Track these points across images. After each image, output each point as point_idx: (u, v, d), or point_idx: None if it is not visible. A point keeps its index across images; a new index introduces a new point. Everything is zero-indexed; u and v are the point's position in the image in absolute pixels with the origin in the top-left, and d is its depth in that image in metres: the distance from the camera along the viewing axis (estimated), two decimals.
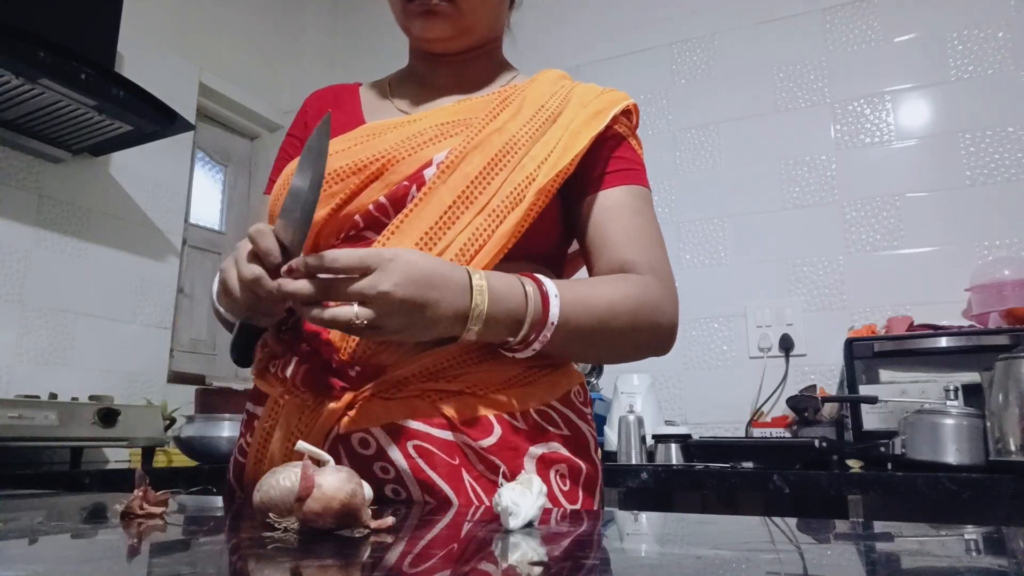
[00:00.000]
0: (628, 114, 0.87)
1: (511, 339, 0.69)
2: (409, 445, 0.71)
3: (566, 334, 0.71)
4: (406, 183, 0.77)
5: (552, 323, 0.69)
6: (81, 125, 1.82)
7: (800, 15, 2.25)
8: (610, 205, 0.81)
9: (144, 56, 2.21)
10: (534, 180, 0.77)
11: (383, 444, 0.71)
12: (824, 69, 2.20)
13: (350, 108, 0.92)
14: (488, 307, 0.65)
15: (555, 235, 0.84)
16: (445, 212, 0.74)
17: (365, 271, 0.61)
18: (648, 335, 0.77)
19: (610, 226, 0.80)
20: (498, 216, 0.75)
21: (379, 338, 0.63)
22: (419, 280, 0.62)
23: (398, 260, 0.62)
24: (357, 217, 0.78)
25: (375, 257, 0.62)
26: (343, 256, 0.61)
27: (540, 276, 0.71)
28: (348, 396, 0.71)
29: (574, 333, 0.71)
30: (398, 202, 0.77)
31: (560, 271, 0.88)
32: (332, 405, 0.71)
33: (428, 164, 0.77)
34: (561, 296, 0.70)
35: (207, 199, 2.64)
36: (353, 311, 0.60)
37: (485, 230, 0.74)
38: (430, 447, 0.71)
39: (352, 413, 0.71)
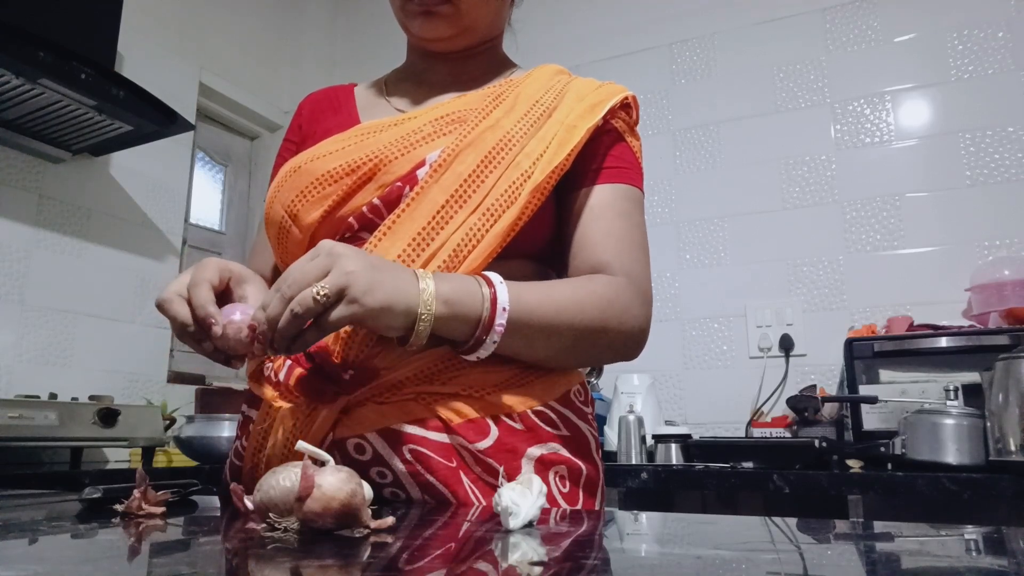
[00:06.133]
0: (627, 108, 0.85)
1: (463, 341, 0.67)
2: (405, 449, 0.70)
3: (525, 335, 0.69)
4: (399, 184, 0.75)
5: (500, 325, 0.66)
6: (81, 125, 1.83)
7: (800, 15, 2.25)
8: (595, 204, 0.80)
9: (144, 56, 2.22)
10: (530, 177, 0.75)
11: (379, 449, 0.70)
12: (824, 69, 2.20)
13: (345, 109, 0.90)
14: (436, 288, 0.64)
15: (551, 232, 0.82)
16: (438, 212, 0.73)
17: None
18: (615, 337, 0.75)
19: (592, 225, 0.79)
20: (492, 215, 0.73)
21: (355, 314, 0.59)
22: (361, 252, 0.63)
23: (327, 242, 0.63)
24: (351, 219, 0.76)
25: (310, 252, 0.62)
26: (291, 268, 0.61)
27: (494, 277, 0.68)
28: (342, 401, 0.70)
29: (534, 333, 0.70)
30: (392, 203, 0.75)
31: (561, 269, 0.86)
32: (326, 410, 0.70)
33: (421, 164, 0.76)
34: (519, 297, 0.68)
35: (207, 199, 2.65)
36: (311, 288, 0.58)
37: (479, 230, 0.73)
38: (426, 451, 0.70)
39: (346, 418, 0.71)
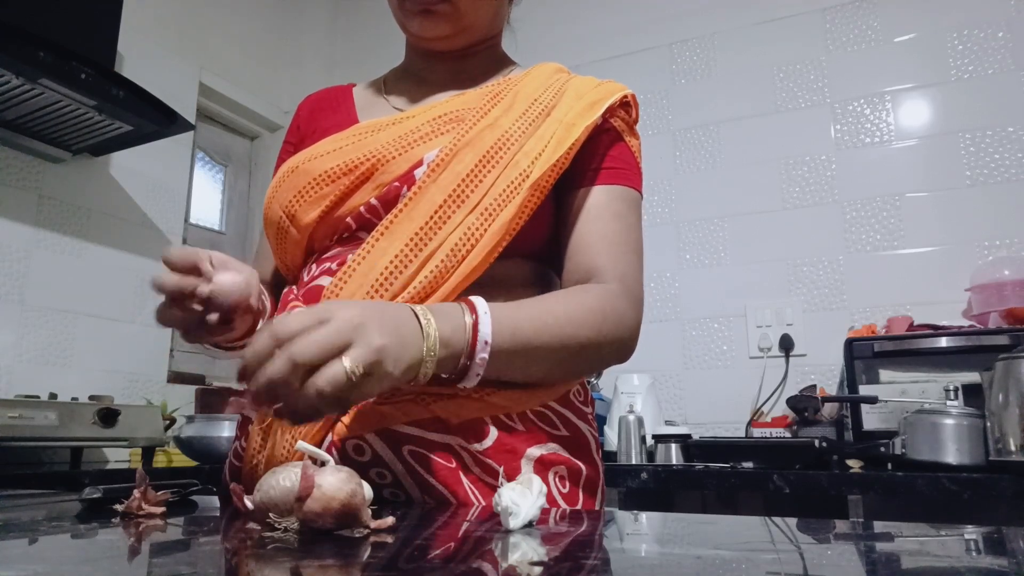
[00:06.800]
0: (627, 107, 0.84)
1: (448, 374, 0.65)
2: (405, 450, 0.70)
3: (520, 359, 0.67)
4: (397, 184, 0.75)
5: (483, 356, 0.63)
6: (81, 125, 1.83)
7: (800, 15, 2.25)
8: (591, 205, 0.79)
9: (144, 56, 2.22)
10: (528, 176, 0.75)
11: (378, 450, 0.70)
12: (824, 69, 2.20)
13: (344, 108, 0.90)
14: (439, 330, 0.61)
15: (550, 232, 0.81)
16: (436, 212, 0.72)
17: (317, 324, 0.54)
18: (610, 347, 0.74)
19: (587, 228, 0.78)
20: (491, 214, 0.73)
21: (383, 387, 0.56)
22: (375, 311, 0.58)
23: (333, 300, 0.62)
24: (349, 219, 0.76)
25: (313, 311, 0.55)
26: (290, 320, 0.54)
27: (480, 305, 0.65)
28: None
29: (531, 361, 0.69)
30: (389, 203, 0.75)
31: (560, 268, 0.85)
32: None
33: (419, 164, 0.75)
34: (516, 326, 0.66)
35: (207, 199, 2.65)
36: (344, 364, 0.52)
37: (477, 229, 0.72)
38: (426, 451, 0.70)
39: (346, 419, 0.70)
